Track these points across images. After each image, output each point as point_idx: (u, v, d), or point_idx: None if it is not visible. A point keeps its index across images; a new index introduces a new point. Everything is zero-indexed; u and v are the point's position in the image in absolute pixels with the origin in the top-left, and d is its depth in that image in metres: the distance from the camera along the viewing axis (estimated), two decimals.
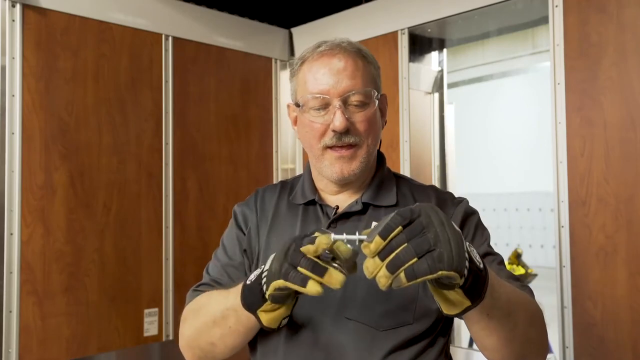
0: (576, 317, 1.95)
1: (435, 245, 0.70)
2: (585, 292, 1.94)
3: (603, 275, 1.90)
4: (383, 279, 0.71)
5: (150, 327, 2.40)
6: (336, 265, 0.79)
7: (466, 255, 0.73)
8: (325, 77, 1.04)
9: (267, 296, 0.85)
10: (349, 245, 0.80)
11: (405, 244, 0.71)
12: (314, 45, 1.09)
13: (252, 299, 0.88)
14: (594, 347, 1.91)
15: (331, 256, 0.80)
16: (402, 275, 0.70)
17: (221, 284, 1.11)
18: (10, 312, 2.02)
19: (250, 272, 1.07)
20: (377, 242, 0.72)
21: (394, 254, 0.71)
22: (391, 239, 0.71)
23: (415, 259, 0.70)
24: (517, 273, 4.05)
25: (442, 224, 0.72)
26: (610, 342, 1.88)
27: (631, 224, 1.85)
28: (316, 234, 0.81)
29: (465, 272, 0.73)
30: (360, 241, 0.76)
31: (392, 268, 0.70)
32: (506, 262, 4.20)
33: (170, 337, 2.45)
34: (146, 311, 2.39)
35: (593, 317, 1.92)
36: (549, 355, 3.79)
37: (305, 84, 1.06)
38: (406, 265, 0.70)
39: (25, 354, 2.04)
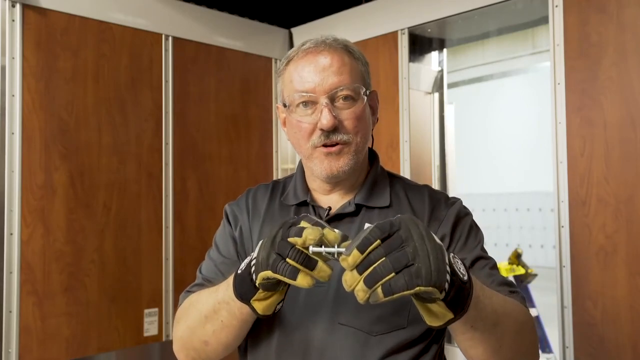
0: (576, 317, 1.95)
1: (413, 260, 0.69)
2: (585, 292, 1.94)
3: (603, 275, 1.90)
4: (361, 292, 0.70)
5: (150, 327, 2.40)
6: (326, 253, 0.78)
7: (447, 268, 0.71)
8: (310, 74, 1.01)
9: (257, 285, 0.83)
10: (336, 231, 0.78)
11: (384, 258, 0.69)
12: (299, 44, 1.06)
13: (244, 289, 0.86)
14: (594, 347, 1.91)
15: (320, 244, 0.79)
16: (379, 290, 0.69)
17: (213, 283, 1.07)
18: (10, 312, 2.02)
19: None
20: (355, 256, 0.70)
21: (371, 268, 0.69)
22: (369, 253, 0.70)
23: (393, 274, 0.68)
24: (517, 273, 4.05)
25: (422, 237, 0.70)
26: (610, 342, 1.88)
27: (631, 224, 1.85)
28: (303, 223, 0.80)
29: (446, 285, 0.71)
30: (339, 254, 0.74)
31: (370, 282, 0.69)
32: (506, 262, 4.21)
33: (170, 337, 2.45)
34: (146, 311, 2.39)
35: (593, 317, 1.92)
36: (549, 356, 3.78)
37: (291, 83, 1.04)
38: (383, 280, 0.68)
39: (25, 354, 2.04)
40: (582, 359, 1.93)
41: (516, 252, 4.12)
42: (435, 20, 2.45)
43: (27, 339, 2.05)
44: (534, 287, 4.25)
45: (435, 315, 0.76)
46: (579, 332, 1.94)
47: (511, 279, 3.93)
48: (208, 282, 1.11)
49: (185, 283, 2.49)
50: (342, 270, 0.73)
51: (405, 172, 2.51)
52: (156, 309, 2.42)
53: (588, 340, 1.92)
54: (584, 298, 1.94)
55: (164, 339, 2.44)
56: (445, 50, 2.82)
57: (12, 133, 2.07)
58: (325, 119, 0.99)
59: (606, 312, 1.89)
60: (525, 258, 4.21)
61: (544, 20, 2.20)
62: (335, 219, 1.07)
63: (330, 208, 1.09)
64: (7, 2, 2.06)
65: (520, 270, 4.06)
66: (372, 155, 1.16)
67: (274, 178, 2.93)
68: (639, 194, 1.84)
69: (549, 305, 2.01)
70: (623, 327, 1.86)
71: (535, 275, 4.13)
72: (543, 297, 4.46)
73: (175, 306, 2.47)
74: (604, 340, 1.89)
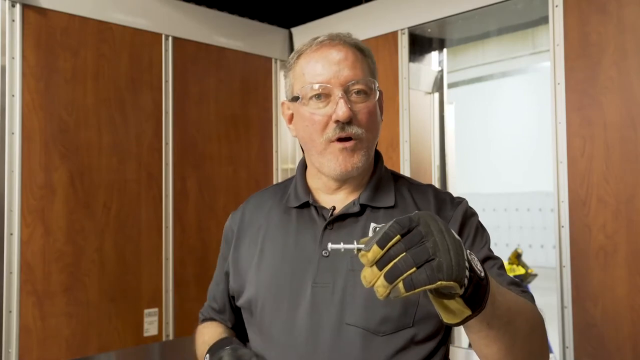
0: (576, 317, 1.95)
1: (434, 255, 0.68)
2: (585, 292, 1.94)
3: (603, 275, 1.90)
4: (381, 288, 0.69)
5: (150, 327, 2.40)
6: None
7: (466, 264, 0.71)
8: (325, 67, 1.02)
9: None
10: None
11: (404, 253, 0.69)
12: (311, 39, 1.07)
13: None
14: (594, 347, 1.91)
15: None
16: (401, 285, 0.68)
17: (215, 310, 1.26)
18: (10, 312, 2.02)
19: (230, 289, 1.19)
20: (375, 251, 0.69)
21: (392, 264, 0.69)
22: (389, 248, 0.69)
23: (414, 269, 0.68)
24: (517, 273, 4.05)
25: (442, 232, 0.70)
26: (610, 342, 1.88)
27: (631, 224, 1.85)
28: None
29: (466, 281, 0.71)
30: (358, 250, 0.74)
31: (391, 278, 0.68)
32: (506, 262, 4.22)
33: (170, 337, 2.45)
34: (146, 311, 2.39)
35: (593, 317, 1.92)
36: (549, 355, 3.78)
37: (304, 76, 1.04)
38: (404, 275, 0.68)
39: (25, 354, 2.04)
40: (582, 359, 1.93)
41: (516, 252, 4.12)
42: (435, 20, 2.45)
43: (27, 339, 2.05)
44: (534, 287, 4.25)
45: (452, 312, 0.75)
46: (579, 332, 1.94)
47: None
48: (211, 309, 1.28)
49: (185, 283, 2.51)
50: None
51: (405, 172, 2.51)
52: (156, 309, 2.42)
53: (588, 340, 1.92)
54: (584, 298, 1.94)
55: (163, 339, 2.44)
56: (445, 50, 2.82)
57: (12, 133, 2.07)
58: (341, 110, 0.99)
59: (606, 312, 1.89)
60: (525, 258, 4.21)
61: (544, 20, 2.20)
62: (339, 219, 1.06)
63: (334, 208, 1.08)
64: (7, 2, 2.06)
65: (520, 270, 4.06)
66: (376, 155, 1.15)
67: (274, 178, 2.93)
68: (639, 194, 1.84)
69: (549, 305, 2.01)
70: (623, 327, 1.86)
71: (535, 275, 4.13)
72: (543, 297, 4.44)
73: (175, 306, 2.48)
74: (604, 340, 1.89)
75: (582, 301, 1.94)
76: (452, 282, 0.68)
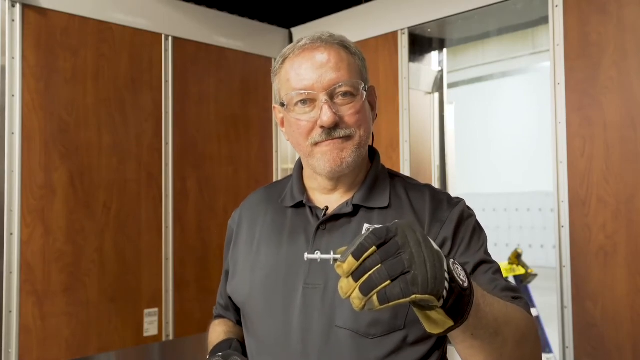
0: (576, 317, 1.95)
1: (410, 267, 0.66)
2: (585, 292, 1.94)
3: (603, 275, 1.90)
4: (356, 300, 0.67)
5: (150, 327, 2.40)
6: None
7: (445, 275, 0.69)
8: (308, 71, 1.00)
9: None
10: None
11: (379, 265, 0.67)
12: (295, 42, 1.05)
13: None
14: (594, 347, 1.91)
15: None
16: (375, 298, 0.66)
17: (222, 307, 1.27)
18: (10, 312, 2.02)
19: (228, 289, 1.19)
20: (350, 263, 0.68)
21: (366, 276, 0.67)
22: (365, 259, 0.67)
23: (389, 282, 0.66)
24: (517, 273, 4.05)
25: (419, 243, 0.68)
26: (610, 342, 1.88)
27: (631, 224, 1.85)
28: None
29: (445, 293, 0.69)
30: (335, 260, 0.72)
31: (365, 290, 0.67)
32: (506, 262, 4.21)
33: (170, 337, 2.45)
34: (146, 311, 2.39)
35: (593, 317, 1.92)
36: (549, 356, 3.78)
37: (289, 82, 1.02)
38: (379, 287, 0.66)
39: (25, 354, 2.04)
40: (582, 359, 1.93)
41: (516, 252, 4.12)
42: (435, 20, 2.45)
43: (27, 339, 2.05)
44: (534, 287, 4.26)
45: (435, 322, 0.74)
46: (579, 332, 1.94)
47: (511, 279, 3.93)
48: (219, 306, 1.29)
49: (185, 283, 2.50)
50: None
51: (405, 172, 2.51)
52: (156, 309, 2.42)
53: (588, 340, 1.92)
54: (584, 298, 1.94)
55: (163, 339, 2.44)
56: (445, 50, 2.82)
57: (12, 133, 2.07)
58: (326, 116, 0.98)
59: (606, 312, 1.89)
60: (525, 258, 4.20)
61: (544, 20, 2.21)
62: (332, 219, 1.05)
63: (327, 208, 1.07)
64: (7, 2, 2.06)
65: (520, 270, 4.06)
66: (372, 153, 1.14)
67: (274, 178, 2.93)
68: (639, 194, 1.84)
69: (549, 305, 2.01)
70: (623, 327, 1.86)
71: (535, 275, 4.13)
72: (543, 297, 4.46)
73: (175, 306, 2.47)
74: (604, 340, 1.89)
75: (582, 301, 1.94)
76: (427, 296, 0.67)
